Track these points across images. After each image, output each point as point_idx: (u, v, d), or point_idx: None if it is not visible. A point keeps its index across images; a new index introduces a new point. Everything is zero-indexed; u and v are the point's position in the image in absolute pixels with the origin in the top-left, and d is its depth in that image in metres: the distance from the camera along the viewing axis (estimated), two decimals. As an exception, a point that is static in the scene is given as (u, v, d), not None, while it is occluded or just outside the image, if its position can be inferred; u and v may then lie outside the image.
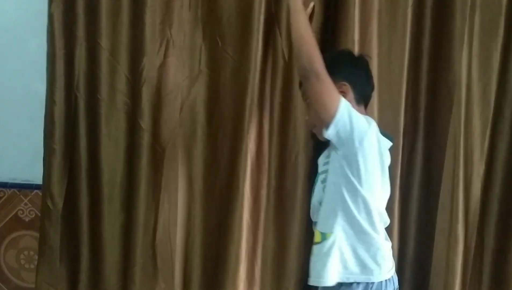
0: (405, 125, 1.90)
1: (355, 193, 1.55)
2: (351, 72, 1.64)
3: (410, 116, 1.92)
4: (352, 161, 1.54)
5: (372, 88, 1.72)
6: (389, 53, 1.87)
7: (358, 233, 1.57)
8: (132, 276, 1.95)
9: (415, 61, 1.89)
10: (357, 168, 1.53)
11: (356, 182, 1.54)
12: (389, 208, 1.90)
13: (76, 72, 1.92)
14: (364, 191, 1.55)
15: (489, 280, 1.93)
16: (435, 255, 1.91)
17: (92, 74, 1.92)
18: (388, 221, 1.68)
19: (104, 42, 1.88)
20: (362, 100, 1.66)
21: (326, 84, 1.51)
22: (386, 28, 1.85)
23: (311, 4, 1.80)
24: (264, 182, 1.93)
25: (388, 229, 1.90)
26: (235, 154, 1.90)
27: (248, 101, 1.85)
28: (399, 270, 1.96)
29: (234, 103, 1.90)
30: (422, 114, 1.92)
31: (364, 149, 1.53)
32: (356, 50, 1.81)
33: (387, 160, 1.67)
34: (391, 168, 1.87)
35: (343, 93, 1.58)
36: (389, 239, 1.68)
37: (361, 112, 1.59)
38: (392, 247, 1.91)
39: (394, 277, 1.64)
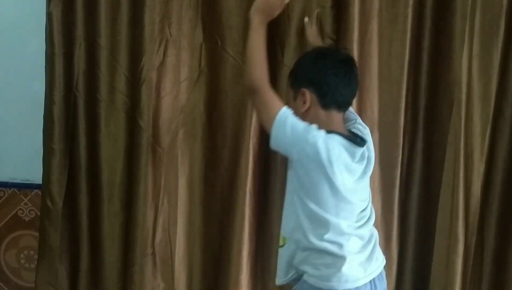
0: (405, 124, 1.89)
1: (303, 203, 1.52)
2: (312, 76, 1.55)
3: (410, 115, 1.91)
4: (296, 171, 1.53)
5: (346, 86, 1.57)
6: (389, 52, 1.85)
7: (309, 242, 1.53)
8: (132, 276, 1.95)
9: (416, 61, 1.88)
10: (301, 179, 1.52)
11: (303, 193, 1.52)
12: (389, 208, 1.92)
13: (76, 72, 1.91)
14: (310, 202, 1.51)
15: (489, 280, 1.92)
16: (435, 255, 1.91)
17: (91, 74, 1.92)
18: (363, 234, 1.57)
19: (104, 41, 1.88)
20: (333, 104, 1.55)
21: (263, 99, 1.53)
22: (387, 27, 1.84)
23: (315, 11, 1.79)
24: (267, 181, 1.93)
25: (388, 229, 1.92)
26: (237, 153, 1.89)
27: (249, 101, 1.84)
28: (399, 270, 1.97)
29: (235, 102, 1.89)
30: (422, 113, 1.91)
31: (302, 160, 1.49)
32: (355, 50, 1.80)
33: (348, 170, 1.52)
34: (388, 168, 1.88)
35: (305, 100, 1.54)
36: (367, 251, 1.58)
37: (330, 117, 1.54)
38: (391, 247, 1.93)
39: None
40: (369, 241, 1.59)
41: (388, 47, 1.85)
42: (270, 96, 1.53)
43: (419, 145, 1.92)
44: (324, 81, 1.54)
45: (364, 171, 1.58)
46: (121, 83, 1.91)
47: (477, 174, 1.86)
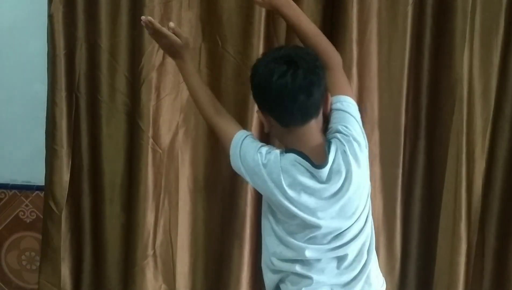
0: (406, 124, 1.89)
1: (271, 225, 1.49)
2: (256, 99, 1.44)
3: (411, 115, 1.91)
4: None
5: (293, 101, 1.33)
6: (389, 51, 1.85)
7: (274, 265, 1.49)
8: (133, 277, 1.95)
9: (416, 60, 1.87)
10: (267, 202, 1.49)
11: (271, 216, 1.49)
12: (391, 208, 1.91)
13: (77, 73, 1.92)
14: (277, 226, 1.47)
15: (491, 279, 1.91)
16: (438, 254, 1.90)
17: (92, 75, 1.93)
18: (343, 256, 1.44)
19: (104, 42, 1.89)
20: (290, 124, 1.38)
21: (217, 131, 1.55)
22: (386, 26, 1.84)
23: None
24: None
25: (391, 229, 1.91)
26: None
27: (251, 100, 1.82)
28: (403, 269, 1.96)
29: (235, 102, 1.89)
30: (423, 112, 1.90)
31: (256, 187, 1.46)
32: (354, 50, 1.80)
33: (309, 193, 1.38)
34: (389, 167, 1.87)
35: (264, 121, 1.45)
36: (348, 276, 1.46)
37: (293, 134, 1.40)
38: (394, 246, 1.92)
39: None
40: (353, 266, 1.46)
41: (388, 47, 1.85)
42: (221, 127, 1.53)
43: (421, 143, 1.91)
44: (268, 104, 1.39)
45: (342, 189, 1.39)
46: (122, 84, 1.91)
47: (478, 172, 1.86)
